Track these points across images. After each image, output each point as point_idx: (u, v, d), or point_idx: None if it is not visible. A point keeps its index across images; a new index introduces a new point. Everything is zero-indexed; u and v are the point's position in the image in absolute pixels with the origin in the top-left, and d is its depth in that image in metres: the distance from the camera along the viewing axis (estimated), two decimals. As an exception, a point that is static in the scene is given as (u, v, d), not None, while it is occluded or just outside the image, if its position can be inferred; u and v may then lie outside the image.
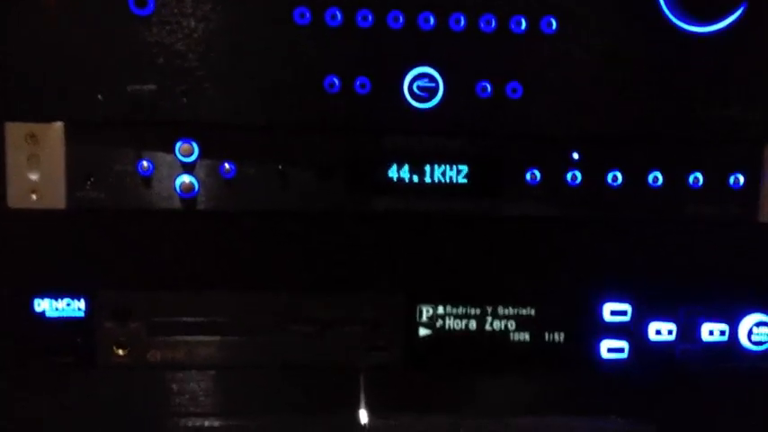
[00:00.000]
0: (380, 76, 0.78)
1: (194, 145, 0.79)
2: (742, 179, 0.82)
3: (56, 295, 0.82)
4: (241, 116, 0.78)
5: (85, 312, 0.83)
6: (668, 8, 0.78)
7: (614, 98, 0.80)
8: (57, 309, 0.82)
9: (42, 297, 0.82)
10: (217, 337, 0.85)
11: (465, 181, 0.82)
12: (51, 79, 0.76)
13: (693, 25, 0.78)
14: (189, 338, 0.84)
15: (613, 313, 0.86)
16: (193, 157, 0.79)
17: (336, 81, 0.78)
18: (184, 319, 0.84)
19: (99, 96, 0.76)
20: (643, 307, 0.86)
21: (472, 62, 0.79)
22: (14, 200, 0.78)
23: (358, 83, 0.78)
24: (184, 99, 0.77)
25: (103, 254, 0.82)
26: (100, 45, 0.75)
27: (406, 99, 0.79)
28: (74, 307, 0.83)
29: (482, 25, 0.78)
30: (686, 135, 0.81)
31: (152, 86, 0.76)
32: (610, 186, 0.82)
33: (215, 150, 0.79)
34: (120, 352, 0.84)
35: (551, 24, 0.78)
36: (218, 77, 0.77)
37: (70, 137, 0.77)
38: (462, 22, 0.78)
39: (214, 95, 0.77)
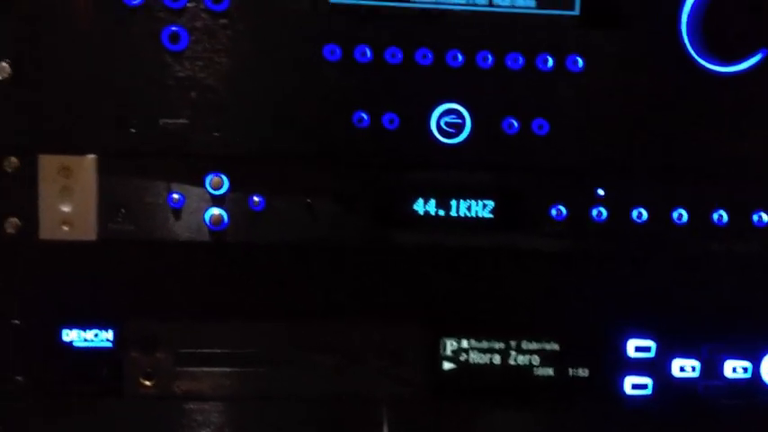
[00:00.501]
0: (409, 111, 0.79)
1: (224, 178, 0.80)
2: (766, 217, 0.83)
3: (84, 326, 0.83)
4: (270, 150, 0.79)
5: (113, 343, 0.84)
6: (693, 48, 0.79)
7: (639, 136, 0.81)
8: (85, 339, 0.83)
9: (71, 327, 0.83)
10: (242, 369, 0.85)
11: (490, 216, 0.83)
12: (85, 112, 0.77)
13: (718, 65, 0.79)
14: (214, 370, 0.85)
15: (638, 349, 0.87)
16: (223, 190, 0.80)
17: (365, 116, 0.79)
18: (210, 350, 0.85)
19: (132, 129, 0.77)
20: (667, 343, 0.87)
21: (499, 99, 0.80)
22: (46, 231, 0.79)
23: (386, 118, 0.79)
24: (215, 133, 0.78)
25: (132, 285, 0.83)
26: (134, 79, 0.77)
27: (433, 134, 0.80)
28: (102, 337, 0.83)
29: (509, 63, 0.79)
30: (711, 173, 0.82)
31: (184, 120, 0.78)
32: (635, 223, 0.82)
33: (244, 183, 0.80)
34: (147, 382, 0.84)
35: (577, 63, 0.79)
36: (248, 112, 0.78)
37: (103, 169, 0.78)
38: (490, 60, 0.79)
39: (244, 130, 0.79)
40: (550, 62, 0.79)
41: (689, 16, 0.78)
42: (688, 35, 0.79)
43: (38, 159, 0.78)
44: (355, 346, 0.86)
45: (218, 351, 0.85)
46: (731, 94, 0.80)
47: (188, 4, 0.76)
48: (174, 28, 0.76)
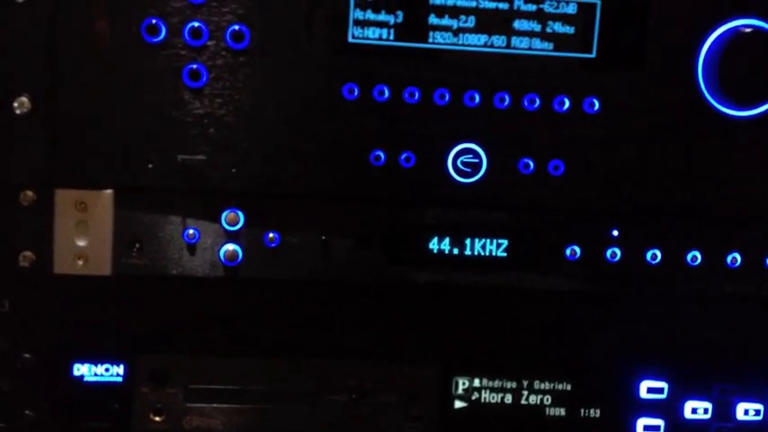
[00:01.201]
0: (425, 150, 0.80)
1: (240, 214, 0.80)
2: (779, 260, 0.84)
3: (95, 360, 0.82)
4: (287, 187, 0.79)
5: (124, 377, 0.83)
6: (708, 92, 0.80)
7: (654, 177, 0.81)
8: (95, 374, 0.83)
9: (82, 362, 0.82)
10: (252, 405, 0.85)
11: (504, 255, 0.83)
12: (103, 147, 0.77)
13: (733, 109, 0.80)
14: (225, 406, 0.84)
15: (650, 391, 0.86)
16: (238, 226, 0.80)
17: (382, 155, 0.79)
18: (221, 386, 0.84)
19: (150, 165, 0.77)
20: (680, 385, 0.87)
21: (515, 139, 0.80)
22: (60, 266, 0.78)
23: (403, 157, 0.79)
24: (233, 170, 0.78)
25: (144, 320, 0.83)
26: (153, 115, 0.77)
27: (449, 173, 0.80)
28: (112, 372, 0.83)
29: (526, 104, 0.79)
30: (725, 216, 0.83)
31: (202, 156, 0.78)
32: (649, 264, 0.83)
33: (260, 220, 0.80)
34: (157, 418, 0.84)
35: (593, 105, 0.80)
36: (265, 149, 0.78)
37: (119, 204, 0.78)
38: (507, 101, 0.79)
39: (261, 167, 0.79)
40: (566, 104, 0.79)
41: (705, 60, 0.79)
42: (704, 79, 0.79)
43: (54, 193, 0.78)
44: (367, 383, 0.85)
45: (229, 387, 0.84)
46: (746, 138, 0.81)
47: (208, 43, 0.76)
48: (194, 65, 0.76)
